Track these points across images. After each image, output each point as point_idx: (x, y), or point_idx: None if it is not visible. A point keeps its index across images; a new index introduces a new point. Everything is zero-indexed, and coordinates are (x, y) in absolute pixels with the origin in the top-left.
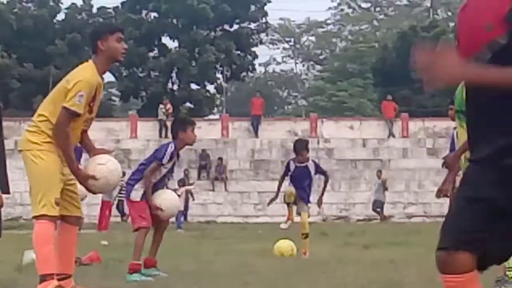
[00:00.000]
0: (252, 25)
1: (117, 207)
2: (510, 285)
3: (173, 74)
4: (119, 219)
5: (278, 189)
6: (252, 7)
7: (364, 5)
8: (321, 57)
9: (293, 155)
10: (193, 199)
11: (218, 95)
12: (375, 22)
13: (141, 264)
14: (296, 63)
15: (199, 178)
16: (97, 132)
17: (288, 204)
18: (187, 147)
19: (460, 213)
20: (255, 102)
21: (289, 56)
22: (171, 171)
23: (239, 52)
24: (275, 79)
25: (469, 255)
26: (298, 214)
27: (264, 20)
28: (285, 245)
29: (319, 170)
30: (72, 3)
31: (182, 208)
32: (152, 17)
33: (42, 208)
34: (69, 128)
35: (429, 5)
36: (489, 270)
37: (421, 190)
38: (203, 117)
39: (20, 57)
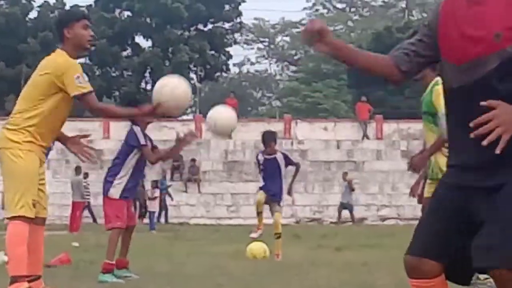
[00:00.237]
0: (227, 25)
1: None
2: (483, 286)
3: (147, 74)
4: (91, 220)
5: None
6: (227, 7)
7: (339, 5)
8: (295, 57)
9: None
10: (172, 199)
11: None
12: (350, 23)
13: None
14: (270, 64)
15: (172, 179)
16: (69, 132)
17: (258, 213)
18: (160, 146)
19: (428, 221)
20: (229, 102)
21: (263, 56)
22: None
23: (213, 52)
24: (249, 79)
25: (436, 262)
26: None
27: (238, 20)
28: (257, 247)
29: (289, 162)
30: (45, 1)
31: (155, 209)
32: (125, 16)
33: (20, 209)
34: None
35: (404, 6)
36: None
37: (394, 192)
38: (176, 117)
39: None
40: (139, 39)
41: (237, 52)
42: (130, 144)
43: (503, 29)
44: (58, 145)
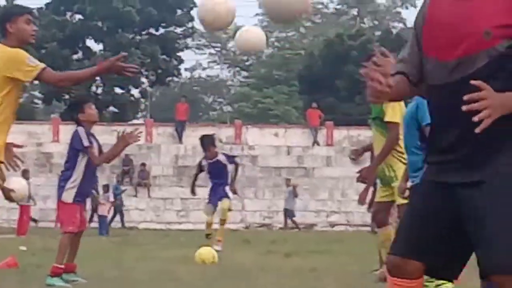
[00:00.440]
0: (178, 30)
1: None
2: None
3: (97, 78)
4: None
5: (192, 186)
6: (179, 11)
7: None
8: (247, 63)
9: None
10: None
11: (142, 100)
12: (302, 29)
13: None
14: (222, 69)
15: (122, 183)
16: (19, 135)
17: (207, 235)
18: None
19: (411, 220)
20: (179, 107)
21: (215, 61)
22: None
23: (164, 56)
24: (201, 84)
25: (419, 263)
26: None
27: (190, 25)
28: (206, 252)
29: (231, 160)
30: None
31: (106, 214)
32: (76, 19)
33: None
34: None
35: (356, 13)
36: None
37: (344, 198)
38: (127, 121)
39: None
40: (90, 43)
41: (188, 57)
42: (74, 148)
43: (492, 26)
44: None
